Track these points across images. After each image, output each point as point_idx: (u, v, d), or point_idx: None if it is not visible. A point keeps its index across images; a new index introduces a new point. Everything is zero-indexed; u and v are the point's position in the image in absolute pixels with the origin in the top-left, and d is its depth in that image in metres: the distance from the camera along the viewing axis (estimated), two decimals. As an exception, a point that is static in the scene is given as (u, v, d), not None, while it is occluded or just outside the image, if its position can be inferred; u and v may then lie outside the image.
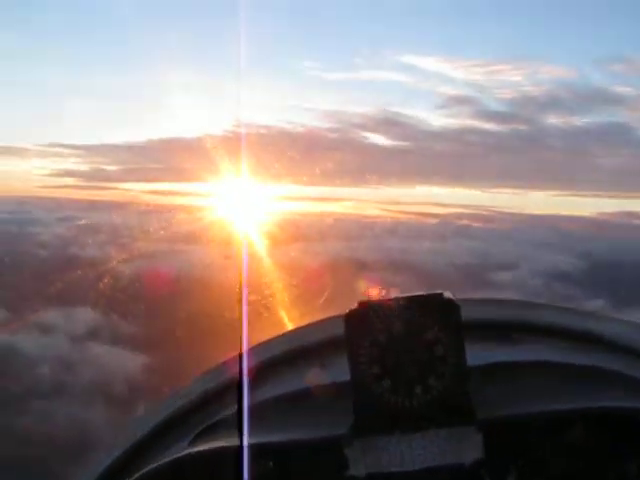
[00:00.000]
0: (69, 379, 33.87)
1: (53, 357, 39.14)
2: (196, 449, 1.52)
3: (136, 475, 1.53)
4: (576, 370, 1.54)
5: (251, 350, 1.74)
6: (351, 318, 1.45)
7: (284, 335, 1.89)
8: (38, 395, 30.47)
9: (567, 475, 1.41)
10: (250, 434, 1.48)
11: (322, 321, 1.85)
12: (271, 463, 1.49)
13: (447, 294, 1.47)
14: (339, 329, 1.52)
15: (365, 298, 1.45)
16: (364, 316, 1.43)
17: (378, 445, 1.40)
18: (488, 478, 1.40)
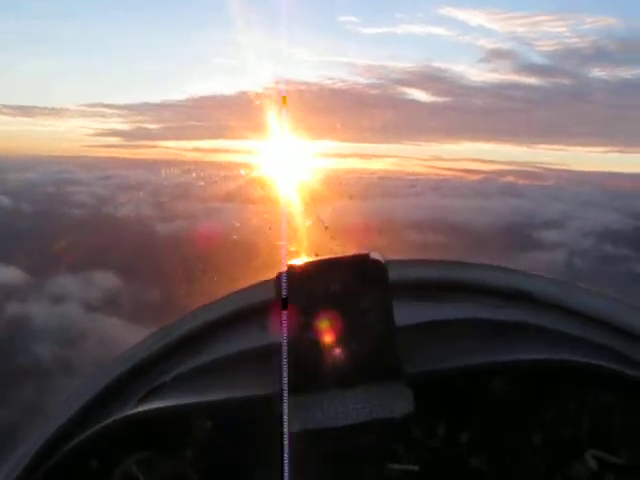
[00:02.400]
0: (71, 355, 31.66)
1: (59, 329, 37.03)
2: (140, 409, 1.54)
3: (82, 437, 1.56)
4: (504, 326, 1.59)
5: (193, 313, 1.81)
6: (280, 281, 1.44)
7: (223, 298, 1.87)
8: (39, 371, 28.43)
9: (491, 425, 1.47)
10: (190, 394, 1.54)
11: (258, 284, 1.82)
12: (209, 422, 1.53)
13: (375, 255, 1.46)
14: (265, 295, 1.64)
15: (297, 261, 1.47)
16: (292, 278, 1.43)
17: (311, 402, 1.42)
18: (418, 431, 1.45)
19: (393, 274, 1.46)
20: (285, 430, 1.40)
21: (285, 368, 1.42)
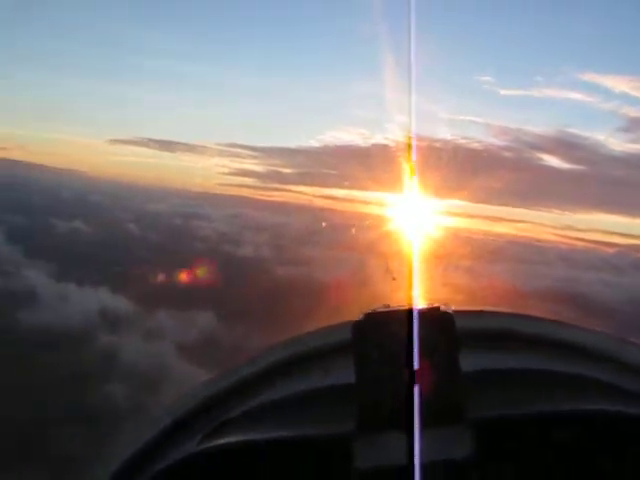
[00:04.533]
0: (144, 401, 28.84)
1: (141, 368, 35.16)
2: (207, 445, 1.61)
3: (154, 469, 1.65)
4: (559, 377, 1.69)
5: (265, 350, 1.90)
6: (357, 327, 1.56)
7: (291, 339, 1.95)
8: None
9: (548, 473, 1.55)
10: (257, 431, 1.61)
11: (327, 328, 1.92)
12: (280, 458, 1.60)
13: (444, 307, 1.58)
14: (341, 336, 1.72)
15: (371, 310, 1.58)
16: (369, 325, 1.55)
17: (380, 441, 1.51)
18: (477, 475, 1.52)
19: (459, 323, 1.56)
20: (355, 467, 1.48)
21: (355, 408, 1.52)
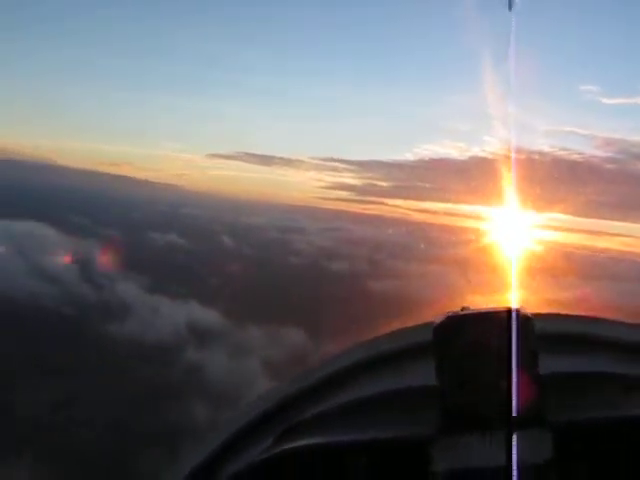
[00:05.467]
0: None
1: (225, 386, 33.85)
2: (283, 447, 1.61)
3: (223, 474, 1.69)
4: (633, 380, 1.67)
5: (343, 352, 1.89)
6: (439, 329, 1.55)
7: (367, 341, 1.92)
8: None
9: (631, 477, 1.55)
10: (333, 434, 1.61)
11: (403, 330, 1.89)
12: (360, 461, 1.60)
13: (523, 310, 1.57)
14: (418, 338, 1.73)
15: (452, 312, 1.58)
16: (450, 327, 1.55)
17: (459, 444, 1.50)
18: (557, 478, 1.52)
19: (537, 327, 1.56)
20: (432, 470, 1.47)
21: (435, 410, 1.51)
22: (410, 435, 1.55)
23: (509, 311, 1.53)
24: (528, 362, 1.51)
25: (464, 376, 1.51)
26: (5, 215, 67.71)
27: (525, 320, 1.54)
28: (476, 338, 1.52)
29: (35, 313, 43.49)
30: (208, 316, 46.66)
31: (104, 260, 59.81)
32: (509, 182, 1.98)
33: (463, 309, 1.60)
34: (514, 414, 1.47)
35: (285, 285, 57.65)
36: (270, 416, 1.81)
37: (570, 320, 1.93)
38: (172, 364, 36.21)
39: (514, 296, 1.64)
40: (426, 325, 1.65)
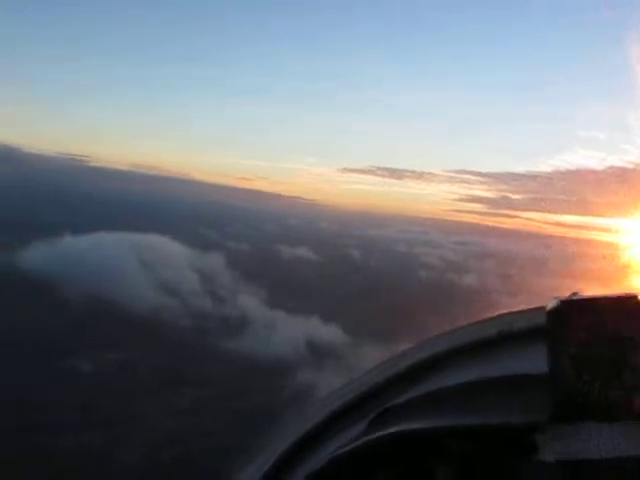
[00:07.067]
0: None
1: None
2: (383, 432, 1.61)
3: (333, 452, 1.69)
4: None
5: (440, 336, 1.80)
6: (554, 313, 1.51)
7: (470, 325, 1.81)
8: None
9: None
10: (437, 417, 1.59)
11: (509, 314, 1.77)
12: (464, 446, 1.60)
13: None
14: (524, 323, 1.66)
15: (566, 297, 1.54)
16: (566, 313, 1.50)
17: (569, 433, 1.47)
18: None
19: None
20: (538, 459, 1.46)
21: (545, 397, 1.48)
22: (516, 422, 1.50)
23: (627, 296, 1.48)
24: None
25: (582, 362, 1.45)
26: (130, 228, 70.04)
27: None
28: (592, 323, 1.47)
29: (156, 326, 44.00)
30: (329, 332, 45.68)
31: (227, 273, 60.35)
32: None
33: (573, 294, 1.52)
34: (631, 404, 1.42)
35: (412, 300, 55.65)
36: (364, 399, 1.75)
37: None
38: (284, 381, 35.74)
39: None
40: (536, 310, 1.58)
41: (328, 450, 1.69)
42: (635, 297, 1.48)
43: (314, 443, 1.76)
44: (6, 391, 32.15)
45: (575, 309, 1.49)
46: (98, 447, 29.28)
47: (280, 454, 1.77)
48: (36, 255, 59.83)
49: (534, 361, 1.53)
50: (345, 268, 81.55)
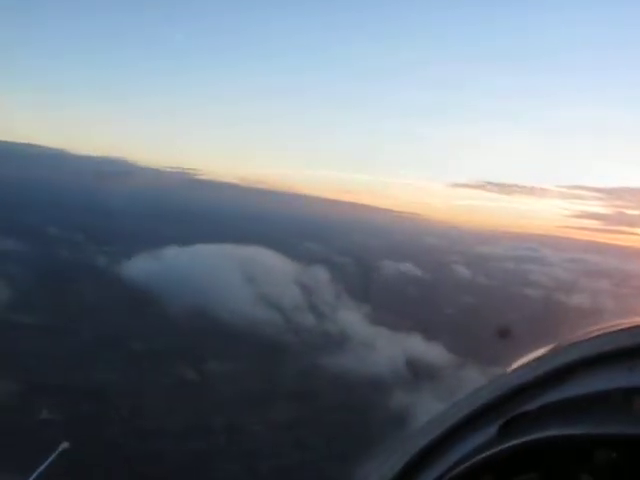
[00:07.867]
0: None
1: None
2: (536, 435, 1.59)
3: (446, 459, 1.72)
4: None
5: (573, 343, 1.76)
6: None
7: (597, 335, 1.75)
8: None
9: None
10: (577, 425, 1.57)
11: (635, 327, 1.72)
12: (611, 455, 1.55)
13: None
14: None
15: None
16: None
17: None
18: None
19: None
20: None
21: None
22: None
23: None
24: None
25: None
26: (235, 240, 71.89)
27: None
28: None
29: (258, 340, 44.88)
30: (431, 351, 45.21)
31: (331, 287, 60.72)
32: None
33: None
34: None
35: (517, 319, 54.26)
36: (498, 403, 1.72)
37: None
38: (380, 400, 35.66)
39: None
40: None
41: (456, 455, 1.69)
42: None
43: (441, 448, 1.77)
44: (122, 397, 34.06)
45: None
46: (200, 454, 30.58)
47: (408, 460, 1.77)
48: (140, 266, 62.65)
49: None
50: (451, 285, 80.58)
